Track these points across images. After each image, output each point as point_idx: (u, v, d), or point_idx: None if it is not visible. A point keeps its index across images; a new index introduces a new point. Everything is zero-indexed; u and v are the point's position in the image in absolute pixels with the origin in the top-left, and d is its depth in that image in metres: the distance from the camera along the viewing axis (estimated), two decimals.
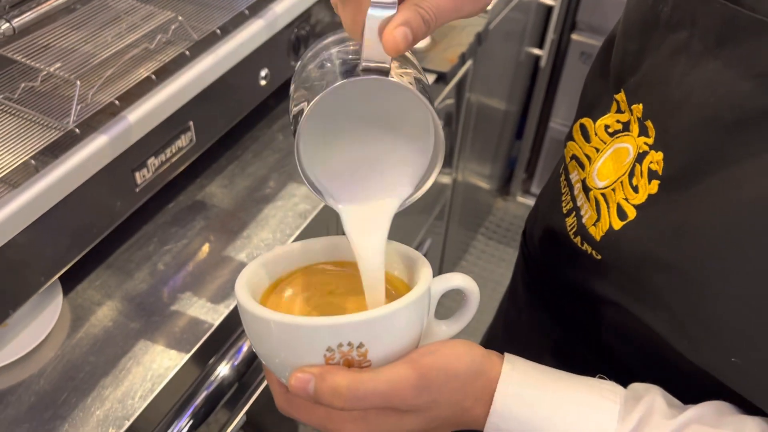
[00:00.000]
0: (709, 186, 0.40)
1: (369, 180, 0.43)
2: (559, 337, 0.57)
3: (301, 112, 0.39)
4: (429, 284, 0.42)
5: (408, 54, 0.42)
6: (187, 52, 0.68)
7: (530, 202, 2.08)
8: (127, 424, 0.58)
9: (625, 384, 0.44)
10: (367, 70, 0.37)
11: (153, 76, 0.65)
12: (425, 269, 0.43)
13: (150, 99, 0.64)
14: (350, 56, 0.39)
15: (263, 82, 0.80)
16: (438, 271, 1.71)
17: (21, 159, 0.55)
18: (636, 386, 0.43)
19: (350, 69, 0.38)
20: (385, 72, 0.37)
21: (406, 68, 0.40)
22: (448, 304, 0.50)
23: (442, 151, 0.41)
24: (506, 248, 1.95)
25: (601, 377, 0.43)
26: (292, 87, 0.43)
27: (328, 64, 0.40)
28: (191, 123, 0.71)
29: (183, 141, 0.70)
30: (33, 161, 0.56)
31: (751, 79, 0.37)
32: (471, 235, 1.95)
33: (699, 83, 0.40)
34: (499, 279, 1.87)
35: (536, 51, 1.69)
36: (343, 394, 0.38)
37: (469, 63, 1.21)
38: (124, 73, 0.65)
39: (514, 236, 1.99)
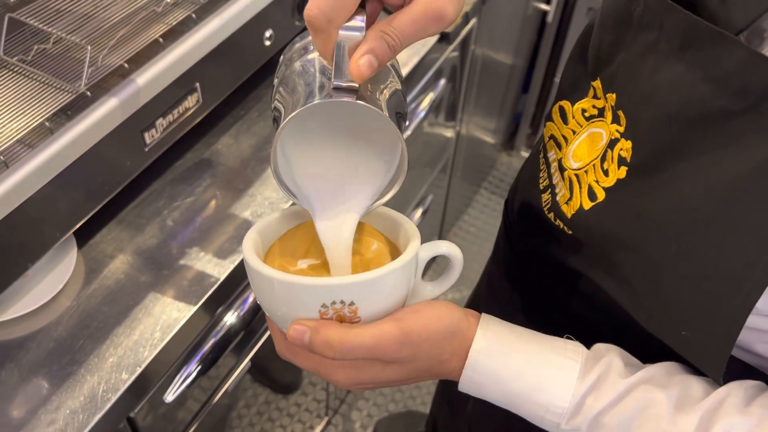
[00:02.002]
0: (670, 176, 0.43)
1: (340, 184, 0.46)
2: (534, 300, 0.61)
3: (278, 114, 0.42)
4: (416, 251, 0.45)
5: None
6: (194, 15, 0.70)
7: None
8: (139, 370, 0.62)
9: (590, 344, 0.48)
10: (338, 89, 0.40)
11: (161, 39, 0.67)
12: (414, 237, 0.46)
13: (158, 62, 0.67)
14: (328, 68, 0.42)
15: (268, 43, 0.82)
16: (440, 224, 1.74)
17: (36, 121, 0.58)
18: (598, 347, 0.47)
19: (325, 83, 0.41)
20: (355, 90, 0.40)
21: (380, 83, 0.43)
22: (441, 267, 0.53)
23: (404, 168, 0.44)
24: None
25: (568, 337, 0.47)
26: (275, 80, 0.46)
27: (311, 69, 0.43)
28: (198, 84, 0.73)
29: (190, 101, 0.73)
30: (47, 123, 0.59)
31: (711, 82, 0.39)
32: (474, 189, 1.97)
33: (665, 81, 0.42)
34: None
35: (543, 6, 1.68)
36: (334, 347, 0.43)
37: (473, 21, 1.22)
38: (133, 36, 0.67)
39: None
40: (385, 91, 0.43)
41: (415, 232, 0.47)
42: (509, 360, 0.46)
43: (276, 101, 0.45)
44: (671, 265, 0.43)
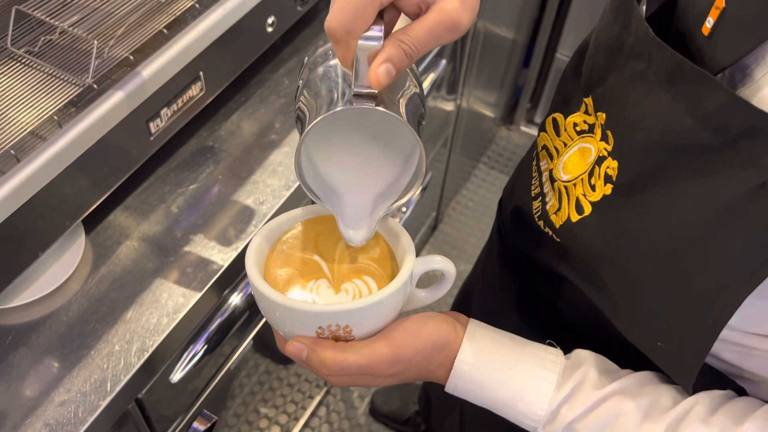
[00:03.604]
0: (651, 198, 0.44)
1: (361, 186, 0.48)
2: (523, 298, 0.64)
3: (302, 115, 0.44)
4: (410, 272, 0.48)
5: None
6: (197, 5, 0.71)
7: (533, 131, 2.10)
8: (147, 354, 0.65)
9: (574, 345, 0.51)
10: (358, 96, 0.41)
11: (165, 30, 0.68)
12: (409, 254, 0.49)
13: (163, 53, 0.68)
14: (349, 75, 0.44)
15: (270, 29, 0.82)
16: (439, 198, 1.76)
17: (45, 114, 0.60)
18: (577, 354, 0.50)
19: (346, 90, 0.43)
20: (374, 97, 0.41)
21: (398, 88, 0.45)
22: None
23: (422, 170, 0.46)
24: (506, 177, 1.99)
25: (549, 343, 0.50)
26: (299, 81, 0.47)
27: (333, 75, 0.44)
28: (201, 72, 0.74)
29: (194, 90, 0.74)
30: (56, 117, 0.60)
31: (693, 117, 0.41)
32: (473, 163, 1.98)
33: (651, 110, 0.44)
34: None
35: None
36: (328, 366, 0.46)
37: None
38: (138, 27, 0.68)
39: (515, 166, 2.03)
40: (403, 95, 0.45)
41: (410, 248, 0.49)
42: (492, 371, 0.49)
43: (300, 102, 0.47)
44: (649, 283, 0.46)
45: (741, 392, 0.50)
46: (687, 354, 0.45)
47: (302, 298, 0.49)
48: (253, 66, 0.85)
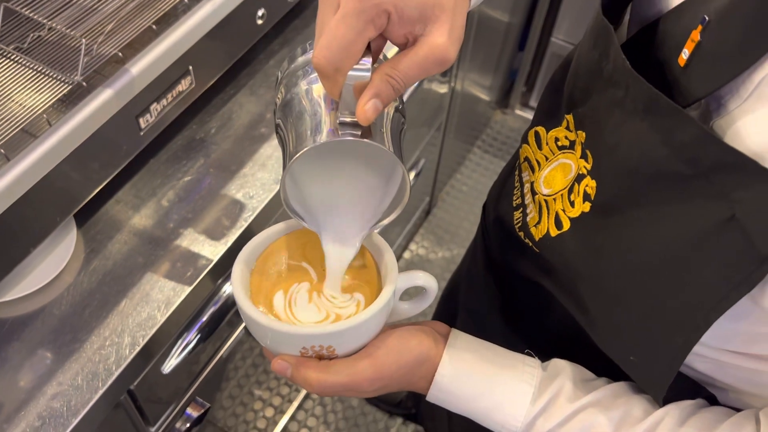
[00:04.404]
0: (627, 221, 0.46)
1: (345, 207, 0.49)
2: (506, 304, 0.65)
3: (283, 134, 0.45)
4: (391, 293, 0.49)
5: None
6: (186, 0, 0.71)
7: (528, 115, 2.11)
8: (138, 348, 0.66)
9: (554, 353, 0.52)
10: (343, 124, 0.42)
11: (154, 26, 0.68)
12: (391, 273, 0.50)
13: (152, 49, 0.68)
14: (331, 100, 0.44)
15: (260, 21, 0.83)
16: (432, 183, 1.77)
17: (35, 113, 0.60)
18: (554, 365, 0.52)
19: (329, 118, 0.43)
20: (359, 125, 0.42)
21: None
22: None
23: (406, 192, 0.47)
24: (500, 162, 2.00)
25: (528, 353, 0.52)
26: (278, 93, 0.48)
27: (316, 97, 0.45)
28: (191, 67, 0.74)
29: (183, 85, 0.74)
30: (45, 115, 0.60)
31: (668, 147, 0.42)
32: (467, 147, 1.99)
33: (628, 137, 0.45)
34: None
35: None
36: (312, 385, 0.48)
37: None
38: (127, 23, 0.68)
39: (509, 150, 2.03)
40: (387, 117, 0.45)
41: (393, 265, 0.51)
42: (470, 384, 0.50)
43: (280, 120, 0.47)
44: (623, 300, 0.47)
45: (712, 400, 0.52)
46: (658, 369, 0.47)
47: (285, 313, 0.50)
48: (242, 57, 0.85)
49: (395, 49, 0.43)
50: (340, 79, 0.39)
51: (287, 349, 0.49)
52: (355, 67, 0.39)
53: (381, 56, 0.44)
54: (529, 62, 1.99)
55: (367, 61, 0.40)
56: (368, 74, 0.40)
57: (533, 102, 2.09)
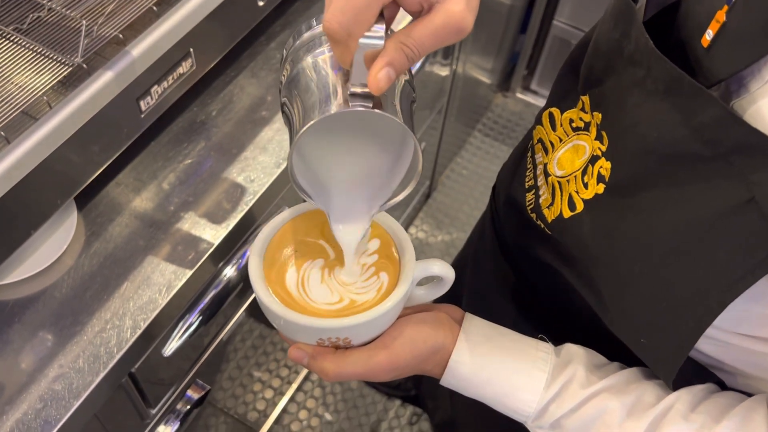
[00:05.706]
0: (641, 202, 0.45)
1: (355, 184, 0.48)
2: (517, 287, 0.65)
3: (289, 111, 0.44)
4: (409, 286, 0.49)
5: None
6: None
7: (529, 99, 2.10)
8: (139, 331, 0.66)
9: (566, 338, 0.52)
10: (354, 95, 0.40)
11: (154, 7, 0.68)
12: (409, 266, 0.50)
13: (153, 31, 0.67)
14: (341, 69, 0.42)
15: (261, 3, 0.82)
16: (433, 166, 1.76)
17: (35, 95, 0.60)
18: (567, 350, 0.52)
19: (339, 88, 0.42)
20: (370, 96, 0.40)
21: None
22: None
23: (418, 168, 0.45)
24: (501, 146, 1.99)
25: (541, 338, 0.52)
26: (284, 70, 0.47)
27: (323, 68, 0.43)
28: (192, 49, 0.74)
29: (184, 67, 0.74)
30: (45, 97, 0.60)
31: (687, 128, 0.41)
32: (467, 131, 1.98)
33: (646, 117, 0.44)
34: (492, 177, 1.92)
35: None
36: (329, 375, 0.49)
37: None
38: (127, 4, 0.67)
39: (510, 134, 2.03)
40: (398, 88, 0.44)
41: (411, 257, 0.50)
42: (484, 369, 0.51)
43: (286, 97, 0.45)
44: (635, 282, 0.47)
45: (721, 384, 0.52)
46: (668, 352, 0.47)
47: (298, 291, 0.50)
48: (243, 39, 0.85)
49: (406, 21, 0.41)
50: (353, 45, 0.38)
51: (304, 338, 0.50)
52: (368, 34, 0.38)
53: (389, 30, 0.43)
54: (531, 45, 1.98)
55: (381, 28, 0.38)
56: (381, 42, 0.38)
57: (534, 85, 2.08)
